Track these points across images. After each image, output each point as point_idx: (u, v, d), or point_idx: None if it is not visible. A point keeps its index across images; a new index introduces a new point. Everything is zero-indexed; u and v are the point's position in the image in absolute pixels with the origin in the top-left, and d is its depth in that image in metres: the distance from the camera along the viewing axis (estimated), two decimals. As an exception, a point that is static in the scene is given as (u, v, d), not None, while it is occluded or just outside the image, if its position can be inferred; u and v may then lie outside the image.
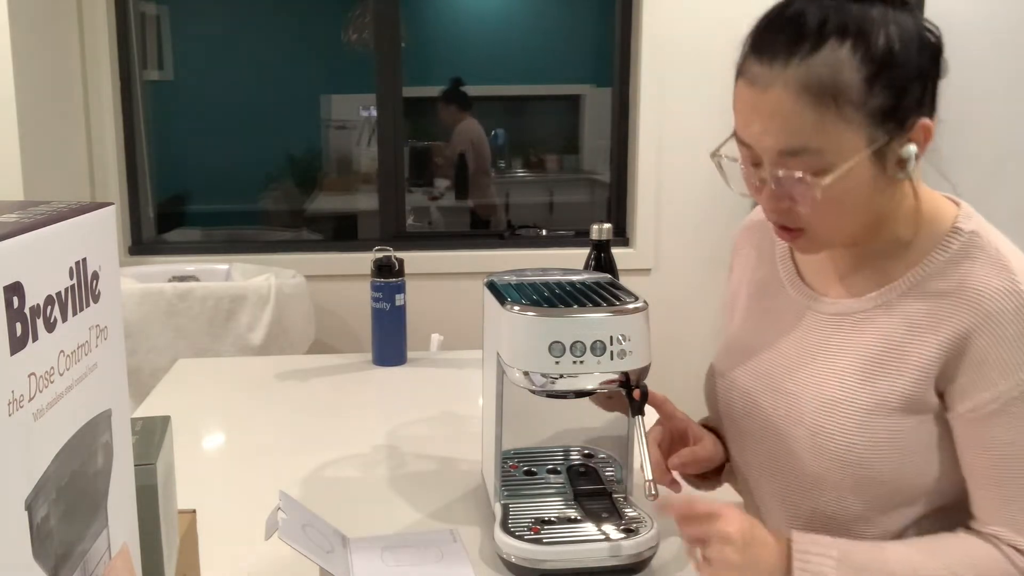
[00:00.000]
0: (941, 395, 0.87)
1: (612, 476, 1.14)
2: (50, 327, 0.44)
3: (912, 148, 0.84)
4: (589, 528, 1.02)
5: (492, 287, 1.07)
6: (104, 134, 2.96)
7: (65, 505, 0.46)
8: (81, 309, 0.48)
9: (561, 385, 0.96)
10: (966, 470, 0.87)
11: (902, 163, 0.84)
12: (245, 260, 2.96)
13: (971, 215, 0.89)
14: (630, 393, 0.97)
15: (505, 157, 5.14)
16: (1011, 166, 2.51)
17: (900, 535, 0.91)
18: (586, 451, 1.19)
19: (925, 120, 0.84)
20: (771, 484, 0.99)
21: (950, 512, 0.90)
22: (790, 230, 0.90)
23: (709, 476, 1.10)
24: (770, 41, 0.85)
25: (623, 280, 1.19)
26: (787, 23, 0.84)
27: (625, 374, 0.97)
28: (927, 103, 0.84)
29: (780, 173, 0.85)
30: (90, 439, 0.49)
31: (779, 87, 0.82)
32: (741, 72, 0.87)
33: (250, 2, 4.24)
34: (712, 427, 1.11)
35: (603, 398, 1.14)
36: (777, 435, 0.96)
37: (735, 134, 0.89)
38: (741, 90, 0.87)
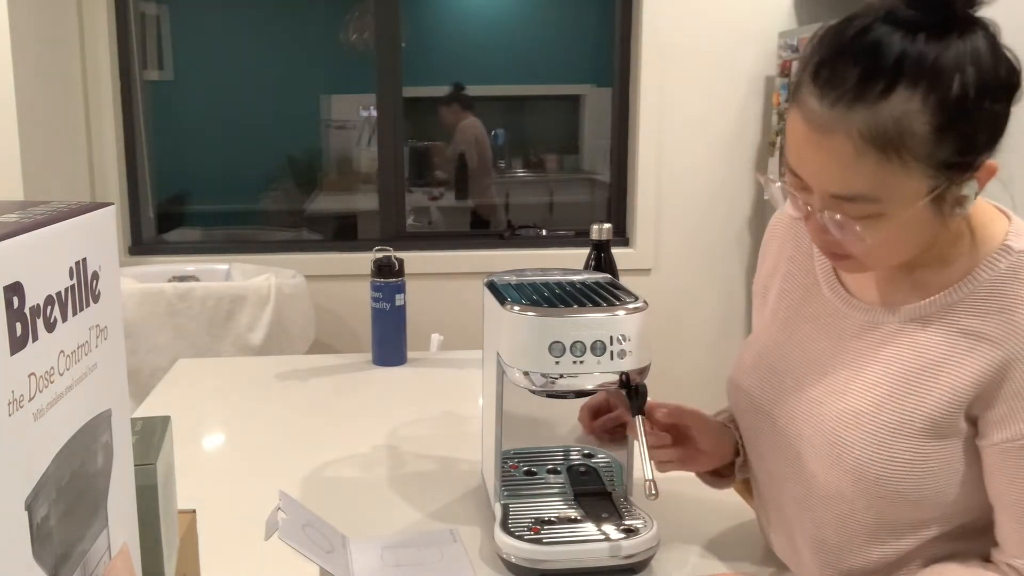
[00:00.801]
0: (972, 421, 0.84)
1: (612, 476, 1.14)
2: (50, 327, 0.44)
3: (973, 186, 0.79)
4: (589, 528, 1.02)
5: (492, 287, 1.07)
6: (104, 134, 2.96)
7: (65, 505, 0.46)
8: (81, 309, 0.48)
9: (561, 385, 0.96)
10: (994, 498, 0.84)
11: (960, 201, 0.80)
12: (245, 260, 2.96)
13: (1022, 232, 0.85)
14: (630, 392, 0.97)
15: (505, 157, 5.14)
16: (1011, 167, 2.51)
17: (908, 556, 0.90)
18: (586, 451, 1.19)
19: (991, 162, 0.79)
20: (783, 487, 0.98)
21: (961, 535, 0.89)
22: (836, 254, 0.87)
23: (723, 472, 1.10)
24: (837, 74, 0.77)
25: (623, 280, 1.19)
26: (860, 55, 0.76)
27: (625, 374, 0.97)
28: (995, 142, 0.79)
29: (833, 216, 0.81)
30: (90, 439, 0.49)
31: (841, 134, 0.77)
32: (797, 100, 0.81)
33: (250, 2, 4.24)
34: (724, 422, 1.11)
35: (603, 436, 1.16)
36: (794, 439, 0.94)
37: (784, 158, 0.86)
38: (796, 122, 0.81)
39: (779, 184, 0.87)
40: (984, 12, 0.78)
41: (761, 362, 1.02)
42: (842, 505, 0.90)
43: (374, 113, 3.21)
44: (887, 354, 0.88)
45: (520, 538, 1.00)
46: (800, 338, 0.98)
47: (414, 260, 2.89)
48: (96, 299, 0.50)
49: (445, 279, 3.13)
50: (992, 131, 0.78)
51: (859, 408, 0.88)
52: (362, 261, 2.29)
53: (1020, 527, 0.82)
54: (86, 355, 0.48)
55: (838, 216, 0.80)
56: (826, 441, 0.90)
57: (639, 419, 0.96)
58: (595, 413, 1.19)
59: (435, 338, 2.19)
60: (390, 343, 1.79)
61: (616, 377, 0.96)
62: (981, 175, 0.79)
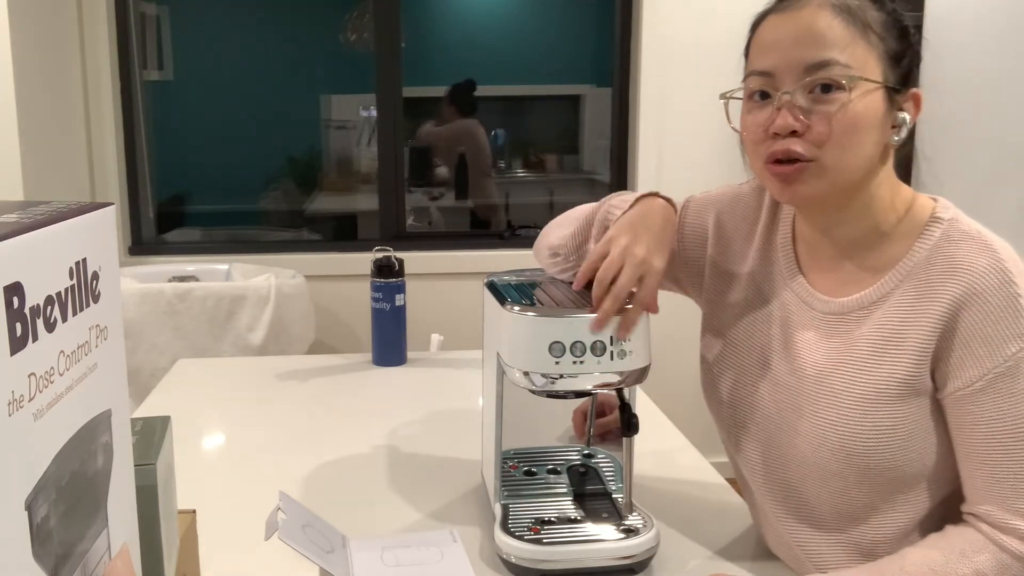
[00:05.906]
0: (934, 378, 0.88)
1: (612, 476, 1.14)
2: (50, 327, 0.44)
3: (906, 116, 0.90)
4: (589, 528, 1.02)
5: (492, 287, 1.07)
6: (104, 134, 2.96)
7: (65, 505, 0.46)
8: (81, 309, 0.48)
9: (561, 385, 0.96)
10: (958, 452, 0.88)
11: (899, 124, 0.90)
12: (245, 260, 2.96)
13: (949, 207, 0.92)
14: (624, 417, 1.00)
15: (505, 157, 5.14)
16: (1012, 167, 2.51)
17: (904, 530, 0.91)
18: (586, 451, 1.19)
19: (917, 90, 0.91)
20: (772, 479, 0.99)
21: (954, 506, 0.90)
22: (793, 163, 0.90)
23: None
24: None
25: (623, 280, 1.18)
26: None
27: (622, 398, 0.99)
28: (916, 78, 0.92)
29: (805, 91, 0.88)
30: (90, 439, 0.49)
31: (814, 6, 0.89)
32: (765, 14, 0.94)
33: (250, 2, 4.23)
34: None
35: (595, 440, 1.18)
36: (777, 428, 0.97)
37: (749, 73, 0.95)
38: (768, 23, 0.93)
39: (739, 97, 0.96)
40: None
41: (736, 354, 1.04)
42: (834, 484, 0.93)
43: (374, 113, 3.21)
44: (852, 335, 0.93)
45: (520, 538, 1.00)
46: (771, 333, 1.01)
47: (414, 260, 2.88)
48: (96, 299, 0.50)
49: (445, 279, 3.12)
50: (912, 58, 0.91)
51: (835, 388, 0.92)
52: (362, 261, 2.28)
53: (980, 471, 0.86)
54: (86, 355, 0.48)
55: (809, 91, 0.88)
56: (809, 424, 0.93)
57: (626, 442, 0.99)
58: (588, 416, 1.19)
59: (435, 338, 2.19)
60: (390, 343, 1.79)
61: (616, 378, 0.96)
62: (909, 104, 0.90)
